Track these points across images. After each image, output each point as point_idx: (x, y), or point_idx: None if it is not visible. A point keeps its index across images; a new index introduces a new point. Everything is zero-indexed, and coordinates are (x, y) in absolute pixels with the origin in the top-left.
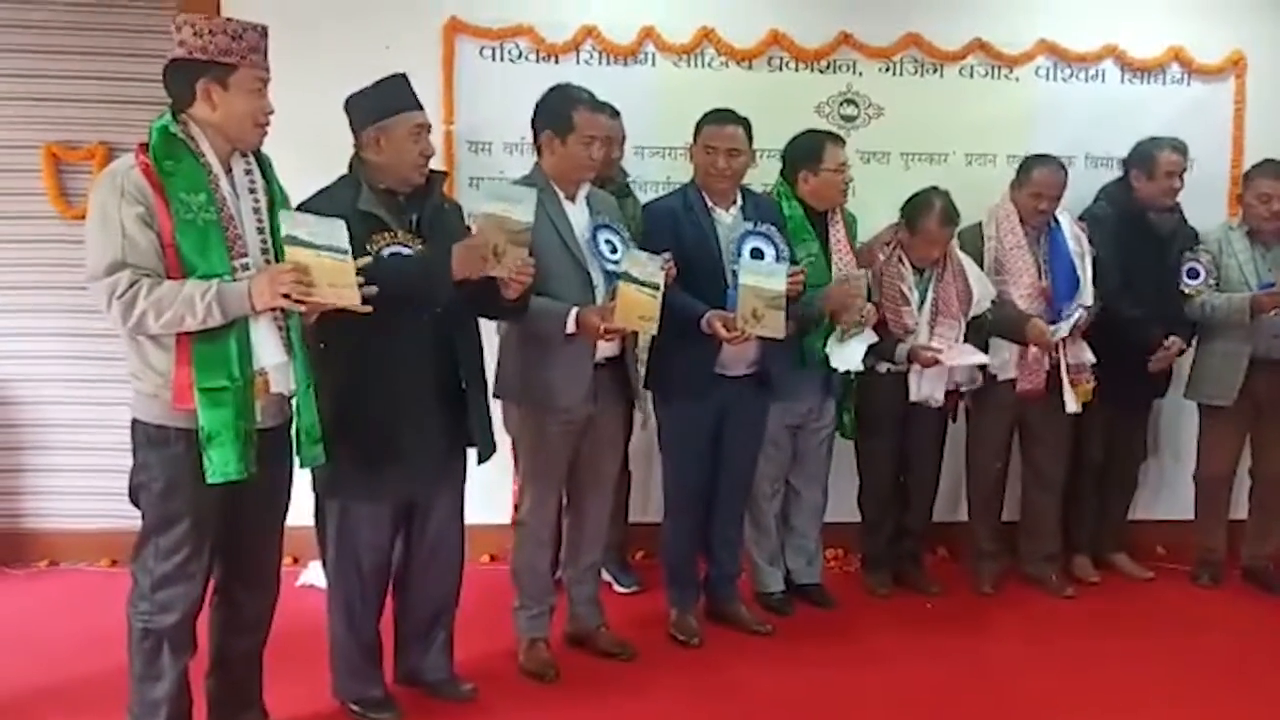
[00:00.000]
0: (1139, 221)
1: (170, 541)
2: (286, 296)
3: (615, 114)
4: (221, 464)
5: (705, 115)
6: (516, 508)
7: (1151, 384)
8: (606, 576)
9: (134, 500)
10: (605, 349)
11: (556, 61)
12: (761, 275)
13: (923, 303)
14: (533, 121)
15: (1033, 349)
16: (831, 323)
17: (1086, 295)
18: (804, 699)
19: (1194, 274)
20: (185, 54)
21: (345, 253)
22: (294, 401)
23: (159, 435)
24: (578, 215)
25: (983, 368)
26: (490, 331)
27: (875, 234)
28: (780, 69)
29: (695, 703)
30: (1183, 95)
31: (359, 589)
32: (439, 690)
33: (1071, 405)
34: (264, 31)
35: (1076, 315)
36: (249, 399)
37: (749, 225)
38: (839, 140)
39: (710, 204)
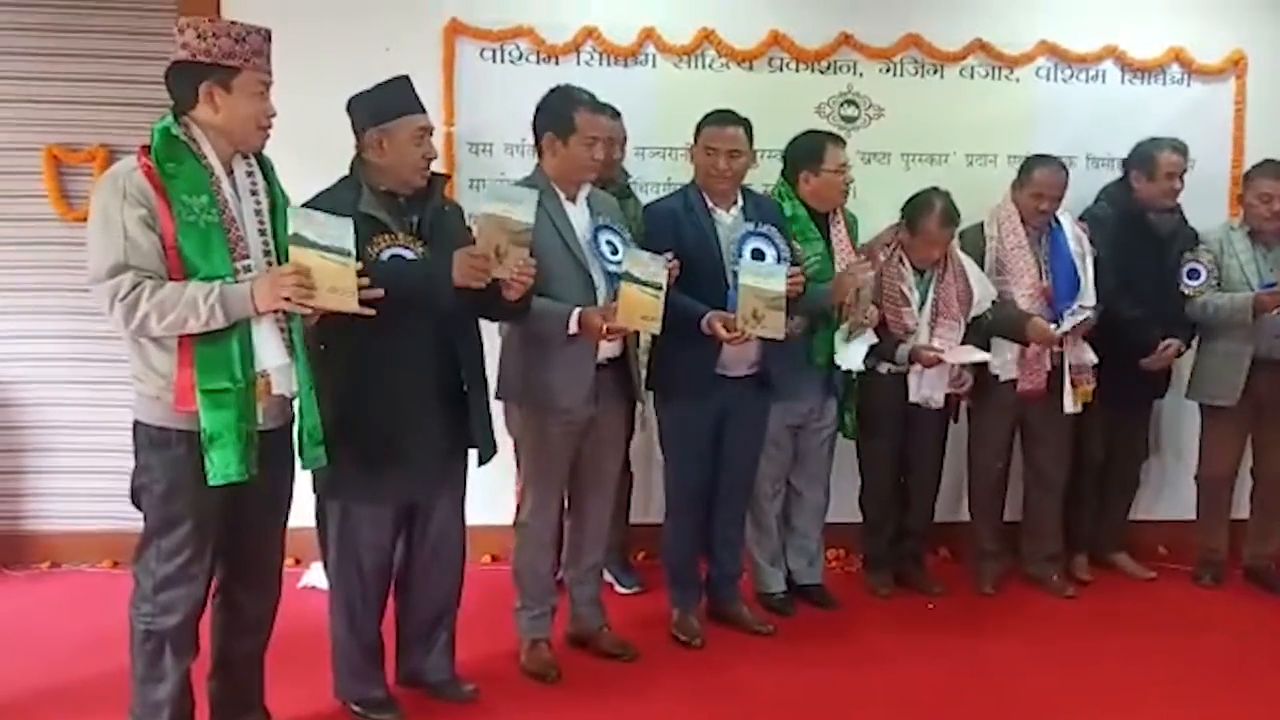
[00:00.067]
0: (1139, 222)
1: (172, 543)
2: (287, 299)
3: (616, 115)
4: (223, 466)
5: (706, 116)
6: (518, 508)
7: (1151, 384)
8: (608, 577)
9: (135, 502)
10: (607, 350)
11: (557, 63)
12: (761, 276)
13: (923, 303)
14: (534, 123)
15: (1034, 348)
16: (839, 319)
17: (1089, 296)
18: (806, 699)
19: (1194, 274)
20: (188, 56)
21: (349, 255)
22: (296, 403)
23: (161, 437)
24: (579, 216)
25: (981, 366)
26: (491, 332)
27: (876, 235)
28: (781, 70)
29: (697, 703)
30: (1183, 96)
31: (360, 590)
32: (441, 691)
33: (1070, 405)
34: (267, 35)
35: (1083, 317)
36: (251, 401)
37: (750, 226)
38: (840, 141)
39: (711, 205)
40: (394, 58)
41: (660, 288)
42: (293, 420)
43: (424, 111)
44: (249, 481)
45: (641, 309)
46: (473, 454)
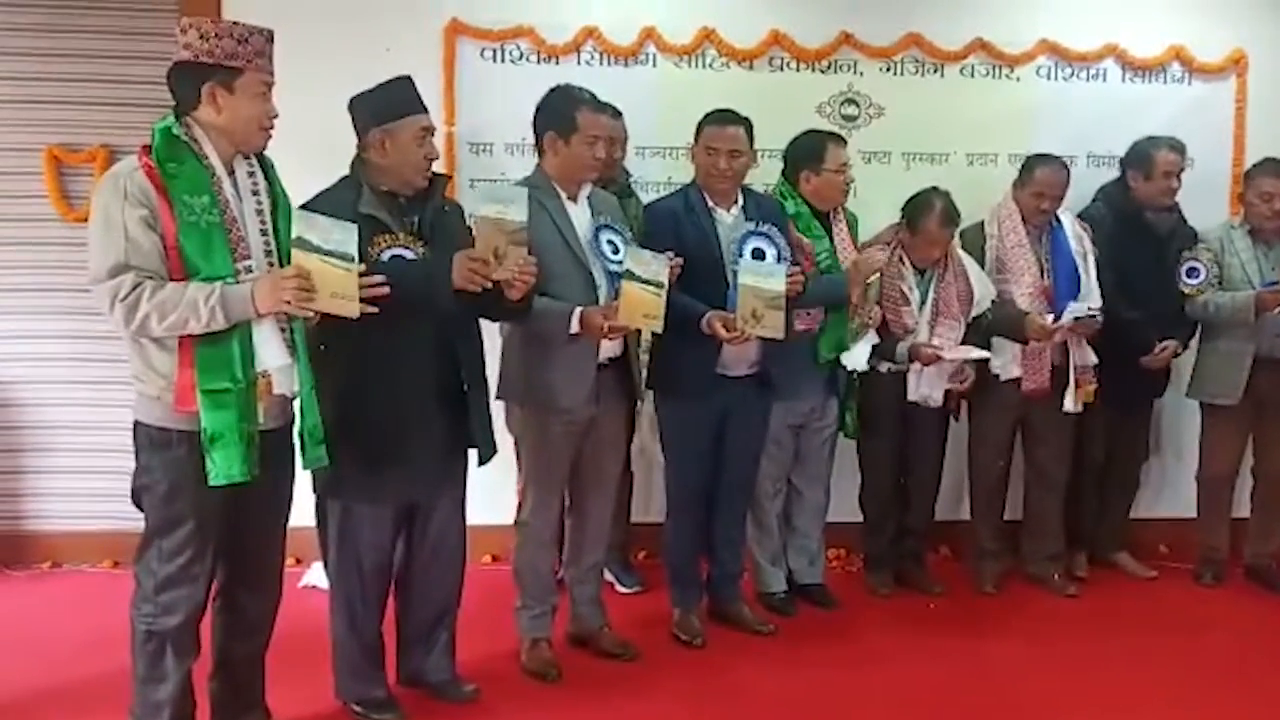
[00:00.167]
0: (1136, 221)
1: (173, 544)
2: (288, 302)
3: (617, 114)
4: (224, 466)
5: (706, 116)
6: (519, 508)
7: (1151, 384)
8: (609, 576)
9: (136, 502)
10: (608, 349)
11: (557, 63)
12: (761, 275)
13: (923, 303)
14: (534, 122)
15: (1034, 345)
16: (849, 314)
17: (1094, 297)
18: (806, 699)
19: (1193, 273)
20: (191, 57)
21: (352, 261)
22: (297, 403)
23: (161, 438)
24: (580, 216)
25: (982, 364)
26: (492, 332)
27: (876, 234)
28: (781, 69)
29: (698, 703)
30: (1184, 94)
31: (360, 590)
32: (441, 691)
33: (1070, 405)
34: (270, 36)
35: (1082, 313)
36: (252, 401)
37: (750, 225)
38: (841, 140)
39: (711, 204)
40: (394, 58)
41: (662, 286)
42: (293, 420)
43: (426, 111)
44: (250, 482)
45: (643, 307)
46: (473, 454)
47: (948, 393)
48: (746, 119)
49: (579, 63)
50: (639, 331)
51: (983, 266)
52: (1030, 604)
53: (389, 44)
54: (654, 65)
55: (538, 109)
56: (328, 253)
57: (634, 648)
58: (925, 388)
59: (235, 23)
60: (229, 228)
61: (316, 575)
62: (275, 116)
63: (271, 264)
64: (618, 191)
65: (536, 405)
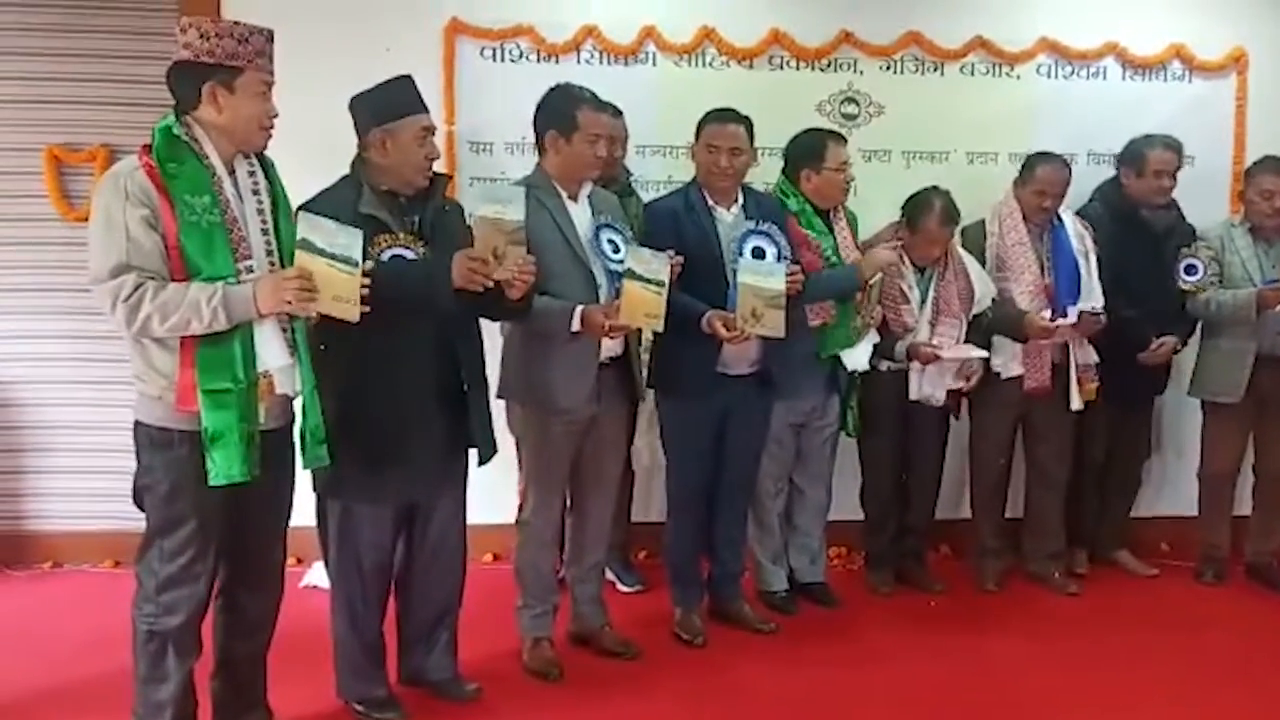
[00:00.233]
0: (1132, 219)
1: (175, 544)
2: (289, 302)
3: (617, 113)
4: (225, 466)
5: (707, 114)
6: (520, 507)
7: (1151, 382)
8: (610, 576)
9: (138, 503)
10: (609, 348)
11: (557, 62)
12: (761, 275)
13: (924, 301)
14: (535, 121)
15: (1034, 343)
16: (855, 310)
17: (1096, 295)
18: (808, 698)
19: (1191, 270)
20: (191, 57)
21: (356, 265)
22: (298, 403)
23: (163, 438)
24: (580, 215)
25: (984, 362)
26: (492, 331)
27: (876, 233)
28: (781, 68)
29: (699, 702)
30: (1184, 92)
31: (361, 590)
32: (443, 690)
33: (1076, 402)
34: (270, 35)
35: (1081, 311)
36: (253, 401)
37: (750, 224)
38: (841, 139)
39: (711, 203)
40: (394, 57)
41: (663, 285)
42: (294, 420)
43: (427, 111)
44: (251, 482)
45: (644, 306)
46: (473, 453)
47: (950, 391)
48: (747, 118)
49: (579, 62)
50: (640, 331)
51: (984, 265)
52: (1031, 602)
53: (389, 43)
54: (654, 64)
55: (538, 108)
56: (332, 256)
57: (635, 647)
58: (928, 387)
59: (235, 22)
60: (230, 228)
61: (318, 575)
62: (275, 116)
63: (272, 264)
64: (618, 190)
65: (537, 404)
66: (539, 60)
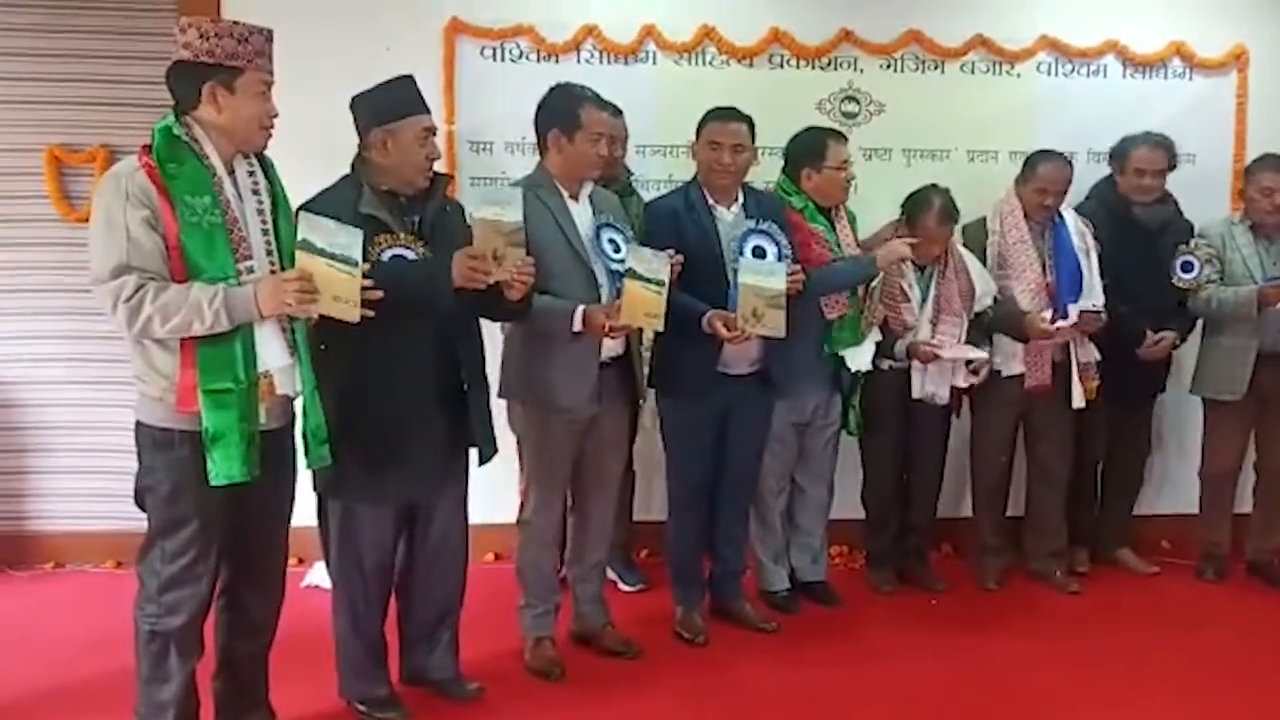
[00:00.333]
0: (1124, 217)
1: (177, 544)
2: (289, 304)
3: (618, 113)
4: (225, 466)
5: (708, 112)
6: (521, 507)
7: (1152, 380)
8: (611, 575)
9: (139, 503)
10: (610, 348)
11: (557, 61)
12: (761, 274)
13: (924, 300)
14: (537, 121)
15: (1034, 343)
16: (860, 309)
17: (1097, 293)
18: (809, 697)
19: (1188, 267)
20: (191, 57)
21: (355, 265)
22: (299, 403)
23: (164, 438)
24: (582, 214)
25: (980, 367)
26: (493, 331)
27: (876, 231)
28: (781, 66)
29: (701, 701)
30: (1184, 90)
31: (362, 589)
32: (445, 689)
33: (1077, 400)
34: (269, 35)
35: (1082, 310)
36: (253, 401)
37: (751, 223)
38: (842, 137)
39: (712, 202)
40: (394, 57)
41: (663, 284)
42: (295, 420)
43: (428, 112)
44: (251, 482)
45: (645, 305)
46: (474, 453)
47: (952, 390)
48: (748, 116)
49: (579, 61)
50: (641, 330)
51: (985, 263)
52: (1032, 601)
53: (389, 43)
54: (654, 63)
55: (540, 107)
56: (332, 256)
57: (637, 646)
58: (931, 385)
59: (235, 22)
60: (231, 228)
61: (319, 575)
62: (275, 116)
63: (273, 263)
64: (619, 190)
65: (538, 404)
66: (539, 60)
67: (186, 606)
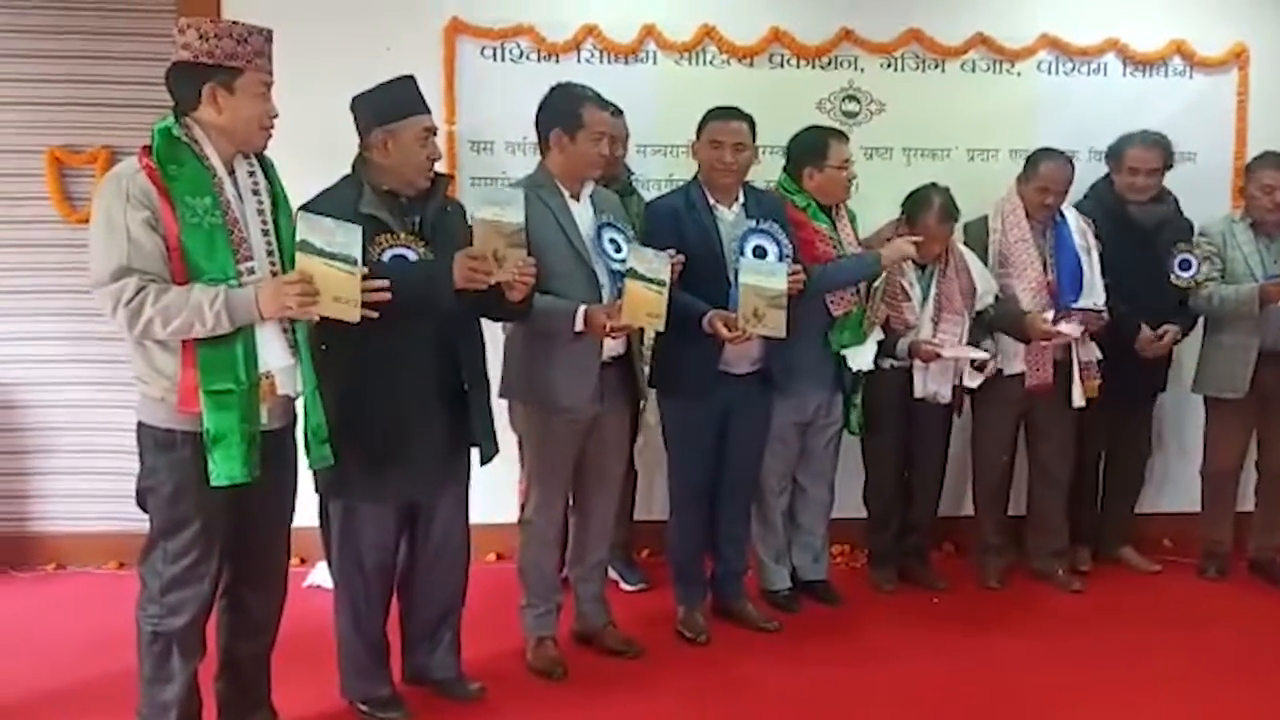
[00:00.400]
0: (1120, 216)
1: (179, 545)
2: (290, 307)
3: (618, 112)
4: (226, 467)
5: (709, 111)
6: (523, 506)
7: (1152, 378)
8: (613, 575)
9: (141, 504)
10: (611, 348)
11: (557, 61)
12: (762, 274)
13: (925, 299)
14: (538, 120)
15: (1036, 342)
16: (863, 307)
17: (1098, 292)
18: (811, 696)
19: (1186, 266)
20: (190, 57)
21: (355, 264)
22: (299, 403)
23: (166, 439)
24: (583, 214)
25: (987, 363)
26: (494, 331)
27: (876, 230)
28: (782, 66)
29: (702, 700)
30: (1185, 88)
31: (364, 589)
32: (447, 689)
33: (1078, 399)
34: (269, 36)
35: (1083, 310)
36: (254, 402)
37: (751, 223)
38: (843, 137)
39: (713, 201)
40: (395, 57)
41: (664, 284)
42: (296, 420)
43: (429, 112)
44: (252, 482)
45: (646, 305)
46: (475, 453)
47: (954, 389)
48: (749, 115)
49: (579, 61)
50: (642, 330)
51: (986, 261)
52: (1034, 600)
53: (389, 43)
54: (654, 63)
55: (541, 107)
56: (331, 255)
57: (638, 645)
58: (933, 384)
59: (234, 23)
60: (231, 228)
61: (321, 575)
62: (275, 116)
63: (273, 264)
64: (619, 190)
65: (539, 404)
66: (539, 60)
67: (189, 607)
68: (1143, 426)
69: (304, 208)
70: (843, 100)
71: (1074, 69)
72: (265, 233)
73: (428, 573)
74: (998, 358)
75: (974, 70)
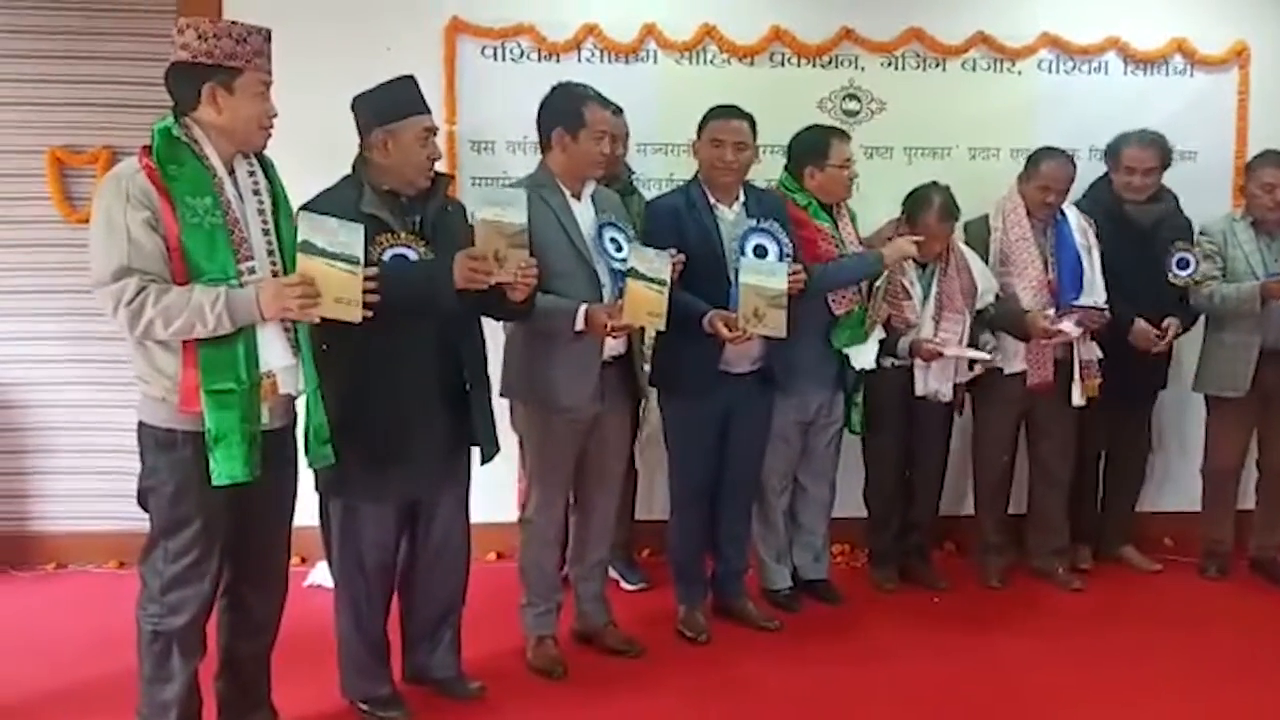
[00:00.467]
0: (1118, 215)
1: (180, 544)
2: (290, 309)
3: (619, 111)
4: (228, 466)
5: (710, 110)
6: (523, 506)
7: (1152, 377)
8: (613, 574)
9: (142, 504)
10: (612, 347)
11: (558, 60)
12: (763, 274)
13: (926, 297)
14: (539, 120)
15: (1036, 340)
16: (864, 305)
17: (1099, 291)
18: (812, 695)
19: (1184, 264)
20: (189, 57)
21: (357, 262)
22: (302, 402)
23: (167, 439)
24: (584, 213)
25: (987, 362)
26: (494, 330)
27: (877, 229)
28: (782, 65)
29: (703, 699)
30: (1186, 87)
31: (365, 589)
32: (447, 688)
33: (1078, 399)
34: (268, 35)
35: (1096, 307)
36: (255, 401)
37: (752, 222)
38: (845, 136)
39: (713, 201)
40: (395, 56)
41: (665, 283)
42: (297, 419)
43: (429, 112)
44: (254, 481)
45: (647, 305)
46: (476, 452)
47: (955, 387)
48: (750, 115)
49: (580, 60)
50: (642, 329)
51: (987, 260)
52: (1035, 599)
53: (389, 43)
54: (655, 62)
55: (542, 106)
56: (333, 256)
57: (639, 644)
58: (934, 383)
59: (233, 22)
60: (231, 228)
61: (321, 574)
62: (275, 115)
63: (274, 263)
64: (620, 189)
65: (540, 403)
66: (540, 59)
67: (189, 606)
68: (1143, 425)
69: (304, 207)
70: (843, 99)
71: (1075, 68)
72: (266, 232)
73: (428, 572)
74: (997, 355)
75: (974, 69)
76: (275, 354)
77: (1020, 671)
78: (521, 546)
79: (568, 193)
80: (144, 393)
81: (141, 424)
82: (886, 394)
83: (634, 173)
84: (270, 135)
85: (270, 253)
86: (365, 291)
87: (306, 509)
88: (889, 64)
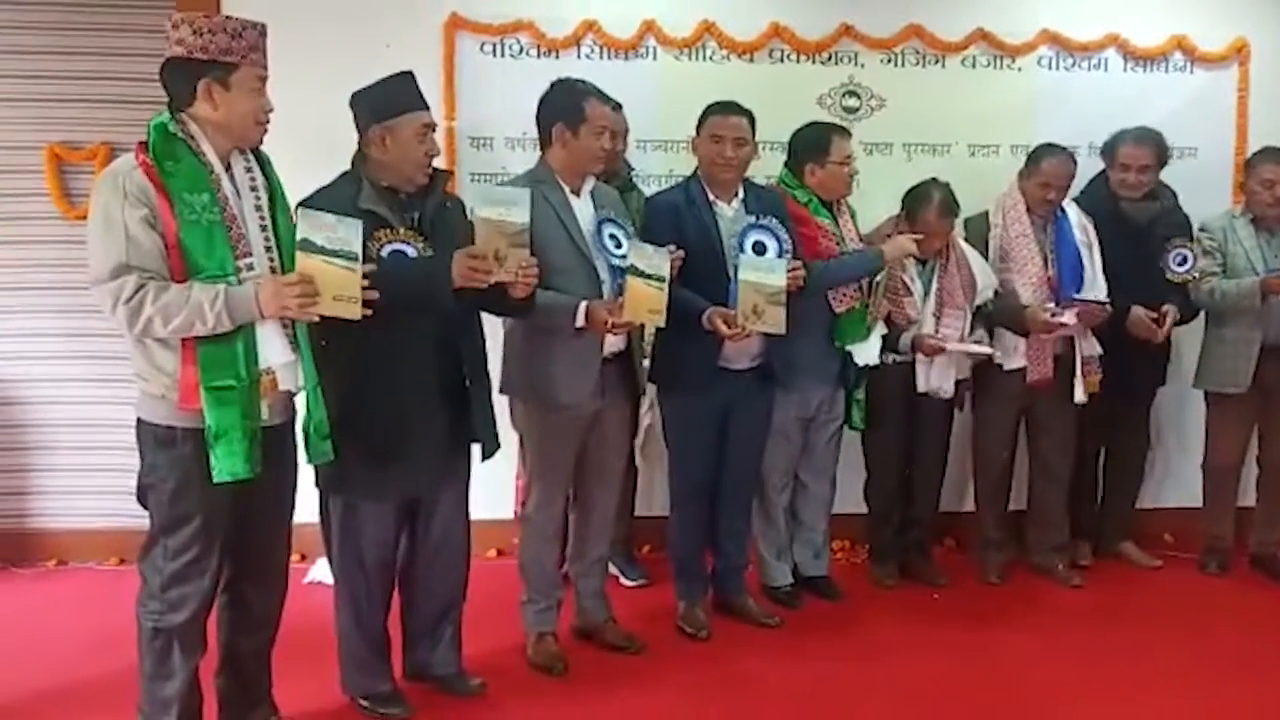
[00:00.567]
0: (1114, 213)
1: (180, 541)
2: (289, 307)
3: (618, 107)
4: (228, 463)
5: (710, 106)
6: (523, 502)
7: (1152, 373)
8: (613, 570)
9: (142, 501)
10: (612, 344)
11: (557, 56)
12: (762, 271)
13: (926, 294)
14: (539, 116)
15: (1035, 336)
16: (865, 303)
17: (1099, 287)
18: (812, 691)
19: (1182, 260)
20: (184, 53)
21: (356, 259)
22: (301, 398)
23: (167, 436)
24: (583, 209)
25: (988, 360)
26: (494, 327)
27: (877, 226)
28: (782, 61)
29: (703, 695)
30: (1186, 84)
31: (365, 585)
32: (448, 684)
33: (1080, 395)
34: (263, 30)
35: (1097, 303)
36: (255, 398)
37: (751, 219)
38: (845, 132)
39: (713, 197)
40: (394, 53)
41: (664, 280)
42: (296, 416)
43: (427, 108)
44: (254, 478)
45: (648, 302)
46: (476, 449)
47: (958, 384)
48: (749, 111)
49: (579, 56)
50: (642, 326)
51: (987, 256)
52: (1035, 595)
53: (389, 39)
54: (654, 58)
55: (542, 101)
56: (332, 253)
57: (639, 641)
58: (936, 379)
59: (228, 18)
60: (229, 225)
61: (321, 571)
62: (271, 111)
63: (272, 260)
64: (619, 185)
65: (540, 400)
66: (539, 55)
67: (189, 603)
68: (1143, 421)
69: (303, 204)
70: (843, 95)
71: (1074, 64)
72: (263, 228)
73: (428, 568)
74: (996, 351)
75: (974, 66)
76: (275, 350)
77: (1020, 667)
78: (521, 543)
79: (567, 189)
80: (143, 390)
81: (140, 421)
82: (888, 390)
83: (633, 169)
84: (266, 131)
85: (268, 249)
86: (364, 288)
87: (307, 506)
88: (889, 60)
